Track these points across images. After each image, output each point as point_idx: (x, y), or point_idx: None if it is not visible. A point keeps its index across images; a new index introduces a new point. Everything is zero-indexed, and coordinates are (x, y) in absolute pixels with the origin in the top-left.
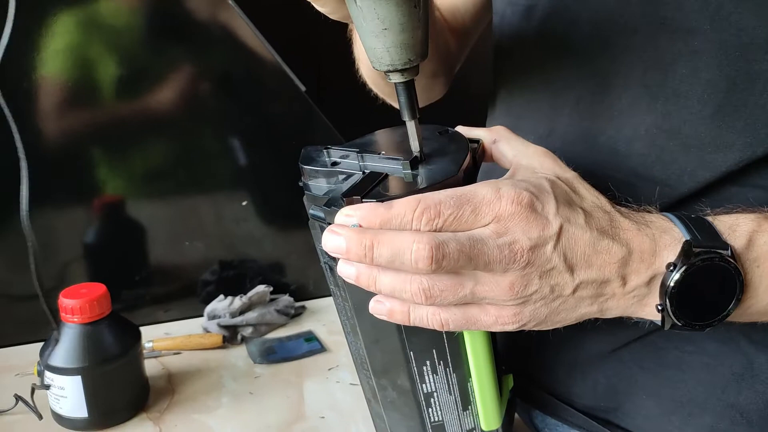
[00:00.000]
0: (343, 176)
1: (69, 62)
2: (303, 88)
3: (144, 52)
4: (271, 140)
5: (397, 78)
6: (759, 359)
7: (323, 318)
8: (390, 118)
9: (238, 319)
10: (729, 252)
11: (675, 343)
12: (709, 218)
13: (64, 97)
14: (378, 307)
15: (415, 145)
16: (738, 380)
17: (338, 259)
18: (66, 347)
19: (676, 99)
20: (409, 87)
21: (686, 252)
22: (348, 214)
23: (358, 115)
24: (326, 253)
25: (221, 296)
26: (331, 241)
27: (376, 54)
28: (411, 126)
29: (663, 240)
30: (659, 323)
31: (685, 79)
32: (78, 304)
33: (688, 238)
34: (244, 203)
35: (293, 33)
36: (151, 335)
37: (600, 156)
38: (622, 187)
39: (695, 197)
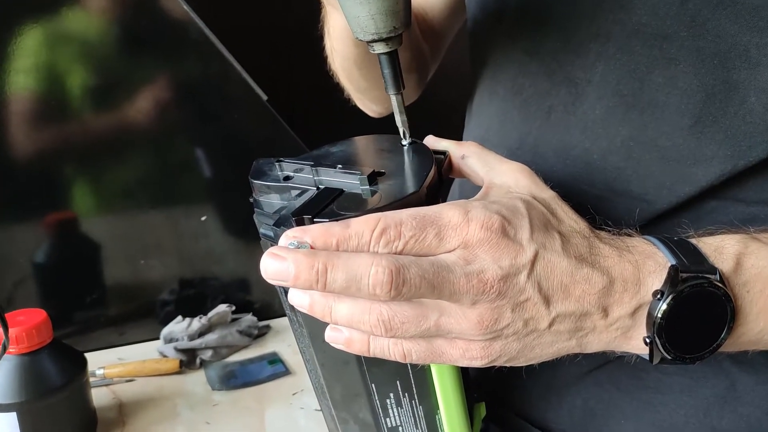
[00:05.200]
0: (297, 192)
1: (24, 76)
2: (264, 97)
3: (101, 65)
4: (232, 151)
5: (381, 48)
6: (742, 381)
7: (288, 338)
8: (359, 129)
9: (196, 342)
10: (717, 276)
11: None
12: (693, 240)
13: (13, 111)
14: (335, 336)
15: (400, 119)
16: (720, 403)
17: None
18: (0, 381)
19: (653, 109)
20: (393, 58)
21: (673, 278)
22: (294, 236)
23: (328, 125)
24: None
25: (179, 318)
26: (272, 266)
27: (360, 23)
28: (395, 100)
29: (647, 266)
30: (646, 357)
31: (661, 88)
32: (14, 333)
33: (674, 263)
34: (203, 218)
35: (260, 43)
36: (103, 361)
37: (574, 170)
38: (598, 202)
39: (674, 213)
